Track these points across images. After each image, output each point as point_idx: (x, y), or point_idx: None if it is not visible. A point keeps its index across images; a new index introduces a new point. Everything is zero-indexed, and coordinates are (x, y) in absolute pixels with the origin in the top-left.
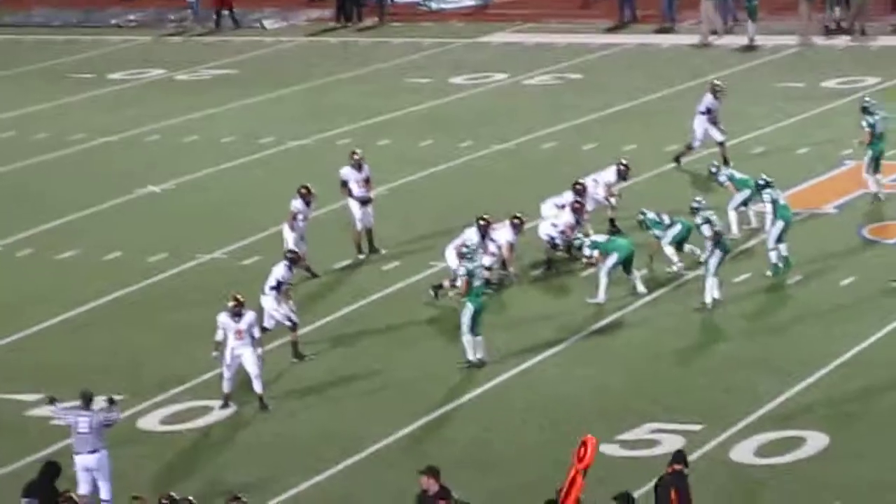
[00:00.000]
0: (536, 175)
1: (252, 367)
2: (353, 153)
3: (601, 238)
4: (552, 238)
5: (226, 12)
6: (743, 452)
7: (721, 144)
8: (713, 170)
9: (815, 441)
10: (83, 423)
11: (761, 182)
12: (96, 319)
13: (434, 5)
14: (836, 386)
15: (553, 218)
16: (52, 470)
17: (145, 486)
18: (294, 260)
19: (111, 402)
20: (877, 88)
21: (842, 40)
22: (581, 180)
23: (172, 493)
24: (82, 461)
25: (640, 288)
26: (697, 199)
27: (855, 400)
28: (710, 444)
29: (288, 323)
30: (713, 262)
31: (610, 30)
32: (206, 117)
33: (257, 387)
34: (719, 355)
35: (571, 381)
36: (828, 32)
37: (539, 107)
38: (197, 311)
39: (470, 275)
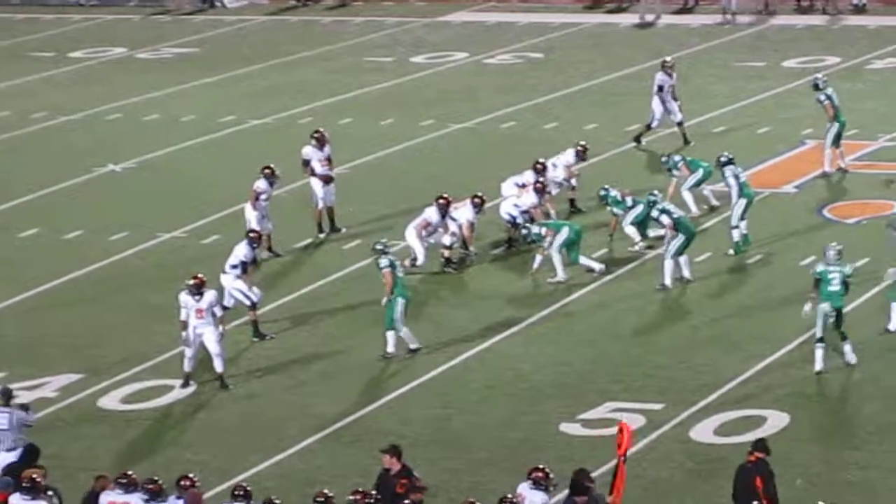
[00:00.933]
0: (497, 154)
1: (213, 345)
2: (316, 132)
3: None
4: (513, 217)
5: None
6: (703, 431)
7: (680, 124)
8: (664, 159)
9: (776, 420)
10: (3, 419)
11: (723, 159)
12: (57, 298)
13: None
14: (795, 365)
15: (514, 198)
16: (32, 452)
17: (105, 465)
18: (256, 239)
19: (24, 407)
20: (837, 68)
21: (802, 19)
22: (542, 160)
23: (130, 472)
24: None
25: (595, 266)
26: (654, 192)
27: (814, 379)
28: (671, 423)
29: (247, 302)
30: (674, 244)
31: (586, 8)
32: (166, 96)
33: (218, 366)
34: (680, 334)
35: (532, 359)
36: (800, 9)
37: (500, 86)
38: (157, 289)
39: (392, 266)
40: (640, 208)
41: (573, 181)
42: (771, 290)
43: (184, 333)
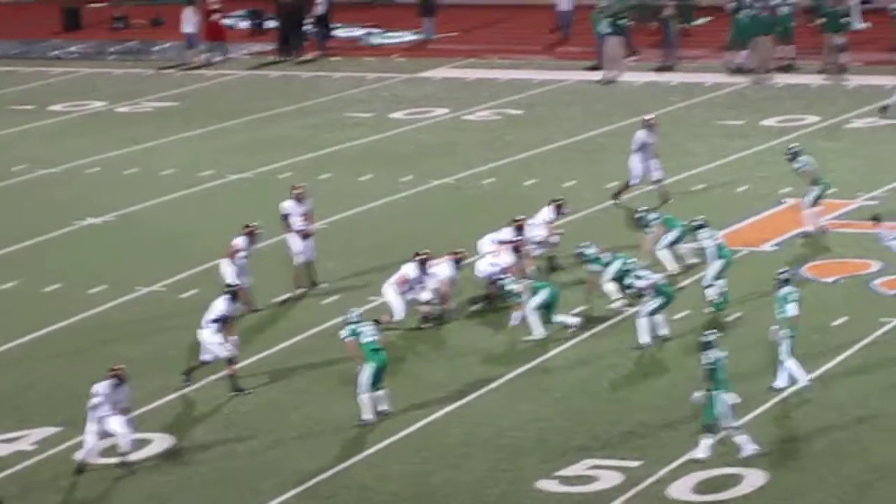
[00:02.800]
0: (477, 210)
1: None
2: (295, 187)
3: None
4: (490, 275)
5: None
6: (681, 489)
7: (657, 182)
8: (637, 216)
9: (753, 478)
10: None
11: (696, 223)
12: (35, 351)
13: (375, 41)
14: (774, 423)
15: (492, 256)
16: None
17: None
18: (235, 294)
19: None
20: (816, 127)
21: (781, 78)
22: (520, 217)
23: None
24: None
25: (570, 321)
26: (632, 259)
27: (793, 437)
28: (648, 480)
29: (224, 355)
30: (650, 305)
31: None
32: (146, 150)
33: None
34: (658, 391)
35: (510, 415)
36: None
37: (479, 142)
38: (136, 343)
39: (354, 335)
40: (617, 264)
41: (553, 238)
42: (748, 349)
43: None
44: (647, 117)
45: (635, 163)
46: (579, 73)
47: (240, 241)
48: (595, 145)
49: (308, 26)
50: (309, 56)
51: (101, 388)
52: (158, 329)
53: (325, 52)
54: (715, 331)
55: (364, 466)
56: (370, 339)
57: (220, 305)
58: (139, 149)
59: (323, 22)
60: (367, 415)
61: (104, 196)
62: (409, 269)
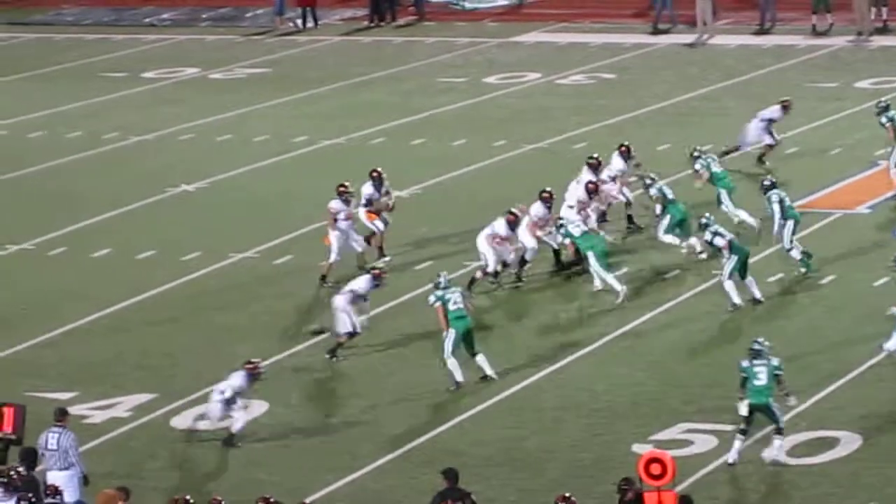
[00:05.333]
0: (570, 175)
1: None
2: (374, 171)
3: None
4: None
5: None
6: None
7: (770, 147)
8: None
9: (849, 441)
10: (52, 440)
11: (767, 183)
12: (129, 318)
13: (468, 5)
14: (869, 386)
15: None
16: (30, 456)
17: (178, 485)
18: (378, 276)
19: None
20: None
21: (876, 40)
22: (595, 156)
23: (188, 497)
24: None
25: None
26: (705, 215)
27: (888, 400)
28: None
29: (348, 328)
30: (728, 266)
31: (645, 33)
32: (239, 116)
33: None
34: None
35: (604, 380)
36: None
37: (572, 107)
38: (230, 309)
39: (442, 301)
40: (668, 217)
41: (626, 191)
42: (843, 311)
43: None
44: (785, 99)
45: (754, 130)
46: (672, 36)
47: (334, 204)
48: (688, 109)
49: None
50: (401, 21)
51: (237, 379)
52: (252, 296)
53: (417, 17)
54: (764, 341)
55: (458, 431)
56: (456, 305)
57: (361, 283)
58: (232, 115)
59: None
60: (458, 377)
61: (197, 163)
62: (500, 226)
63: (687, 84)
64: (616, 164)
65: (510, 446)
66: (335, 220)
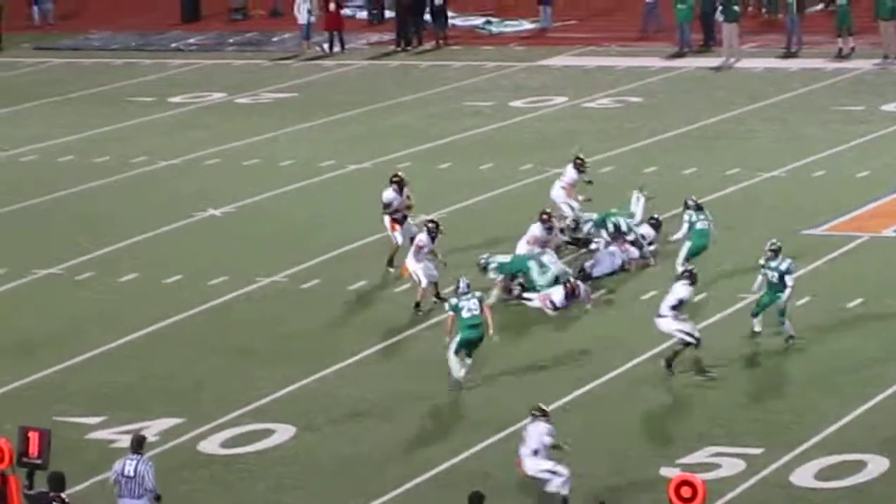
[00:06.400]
0: (597, 199)
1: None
2: (395, 175)
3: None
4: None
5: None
6: (803, 476)
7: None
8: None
9: (876, 464)
10: (129, 467)
11: (690, 202)
12: (156, 342)
13: (494, 29)
14: None
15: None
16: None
17: None
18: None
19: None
20: None
21: None
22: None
23: None
24: None
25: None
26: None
27: None
28: (771, 467)
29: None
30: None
31: (670, 56)
32: (266, 141)
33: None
34: (779, 377)
35: (631, 403)
36: None
37: (599, 130)
38: (257, 334)
39: (455, 309)
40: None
41: (573, 203)
42: (872, 333)
43: None
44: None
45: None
46: (698, 59)
47: (422, 237)
48: (714, 132)
49: (427, 16)
50: (427, 46)
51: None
52: (280, 320)
53: (443, 42)
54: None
55: (486, 454)
56: (470, 313)
57: (679, 290)
58: (259, 140)
59: (441, 11)
60: (456, 374)
61: (224, 187)
62: (536, 229)
63: (713, 107)
64: (569, 174)
65: None
66: (419, 250)
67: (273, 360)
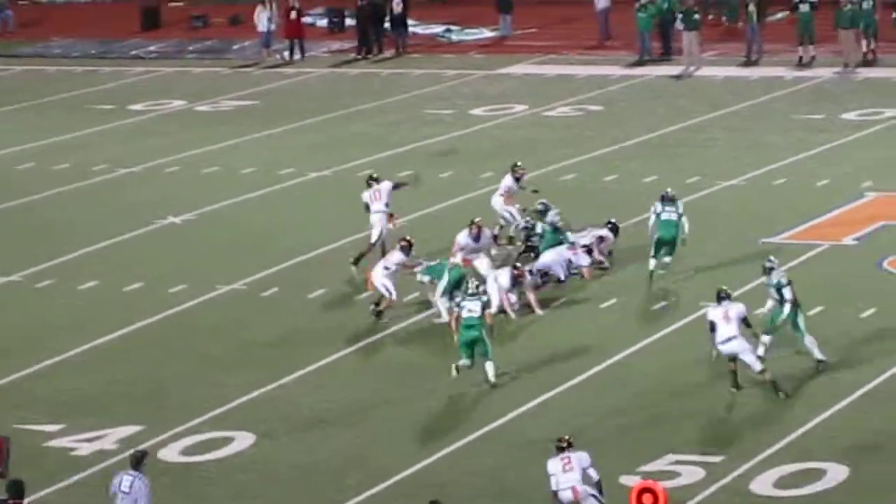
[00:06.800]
0: (557, 207)
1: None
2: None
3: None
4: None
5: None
6: (763, 484)
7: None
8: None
9: (836, 473)
10: (126, 483)
11: (665, 194)
12: (117, 350)
13: (454, 37)
14: (856, 417)
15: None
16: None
17: None
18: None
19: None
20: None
21: (862, 72)
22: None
23: None
24: None
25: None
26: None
27: (875, 432)
28: (731, 475)
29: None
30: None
31: (631, 64)
32: (226, 148)
33: None
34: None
35: (591, 411)
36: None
37: (559, 139)
38: (218, 341)
39: (458, 307)
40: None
41: (513, 210)
42: (831, 343)
43: None
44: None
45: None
46: (659, 68)
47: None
48: (675, 141)
49: (387, 24)
50: (388, 54)
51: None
52: (239, 327)
53: (404, 50)
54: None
55: (445, 463)
56: (468, 314)
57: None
58: (219, 147)
59: (401, 19)
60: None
61: (184, 195)
62: (508, 181)
63: (674, 116)
64: (506, 182)
65: (497, 477)
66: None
67: (235, 367)
